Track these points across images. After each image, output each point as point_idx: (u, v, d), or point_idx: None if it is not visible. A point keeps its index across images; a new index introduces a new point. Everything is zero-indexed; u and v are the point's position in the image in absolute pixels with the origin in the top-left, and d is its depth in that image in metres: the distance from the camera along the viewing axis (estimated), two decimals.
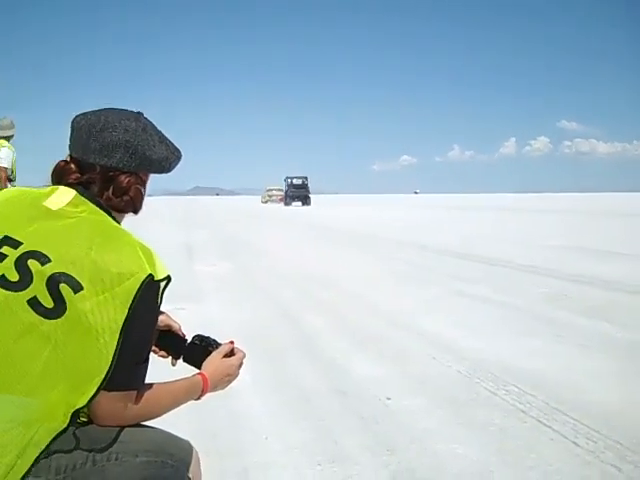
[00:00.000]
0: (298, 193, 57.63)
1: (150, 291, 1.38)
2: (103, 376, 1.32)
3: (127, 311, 1.33)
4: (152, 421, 1.52)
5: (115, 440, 1.40)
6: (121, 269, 1.35)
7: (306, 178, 60.78)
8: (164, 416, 1.52)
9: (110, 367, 1.32)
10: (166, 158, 1.60)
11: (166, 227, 21.71)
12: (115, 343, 1.32)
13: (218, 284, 8.75)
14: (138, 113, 1.61)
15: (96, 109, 1.58)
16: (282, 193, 63.23)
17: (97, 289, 1.33)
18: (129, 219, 1.63)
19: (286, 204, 56.96)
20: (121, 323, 1.32)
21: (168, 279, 1.43)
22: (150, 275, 1.37)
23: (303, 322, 6.24)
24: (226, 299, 7.51)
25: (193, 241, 15.96)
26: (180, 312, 5.15)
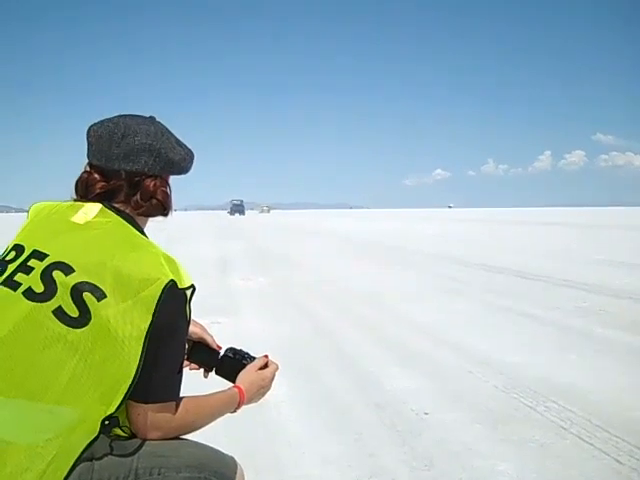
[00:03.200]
0: (237, 209, 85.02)
1: (174, 297, 1.37)
2: (129, 383, 1.32)
3: (151, 317, 1.33)
4: (192, 435, 1.51)
5: (153, 453, 1.41)
6: (143, 275, 1.35)
7: (242, 200, 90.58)
8: (202, 430, 1.52)
9: (136, 374, 1.32)
10: (184, 159, 1.62)
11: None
12: (140, 350, 1.32)
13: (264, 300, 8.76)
14: (151, 117, 1.62)
15: (109, 117, 1.59)
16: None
17: (120, 296, 1.33)
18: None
19: (231, 214, 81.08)
20: (145, 330, 1.33)
21: (193, 288, 1.43)
22: (172, 281, 1.36)
23: (339, 334, 6.23)
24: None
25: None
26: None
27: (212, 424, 1.56)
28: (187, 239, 23.14)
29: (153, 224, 1.64)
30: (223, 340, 1.92)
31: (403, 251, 17.48)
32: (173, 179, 1.64)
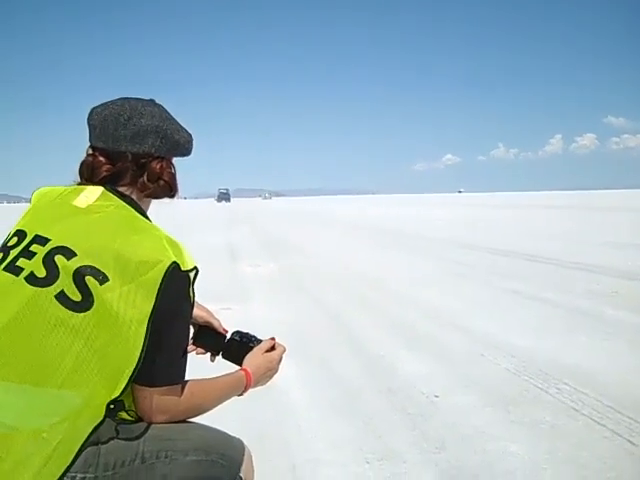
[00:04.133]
0: (223, 197, 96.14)
1: (177, 280, 1.36)
2: (134, 367, 1.32)
3: (154, 300, 1.32)
4: (201, 418, 1.51)
5: (160, 436, 1.40)
6: (145, 258, 1.34)
7: (227, 189, 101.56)
8: (210, 413, 1.51)
9: (140, 357, 1.31)
10: (188, 141, 1.61)
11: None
12: (144, 333, 1.32)
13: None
14: (151, 100, 1.61)
15: (111, 100, 1.57)
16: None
17: (122, 279, 1.32)
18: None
19: (218, 202, 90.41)
20: (148, 312, 1.32)
21: (196, 271, 1.42)
22: (175, 263, 1.35)
23: (349, 318, 6.23)
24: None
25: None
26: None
27: (220, 406, 1.56)
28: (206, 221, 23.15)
29: (157, 210, 1.63)
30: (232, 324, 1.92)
31: (410, 237, 17.45)
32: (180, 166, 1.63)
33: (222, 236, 18.26)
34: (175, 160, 1.63)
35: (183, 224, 21.38)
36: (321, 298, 7.62)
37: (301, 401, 3.86)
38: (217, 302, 5.14)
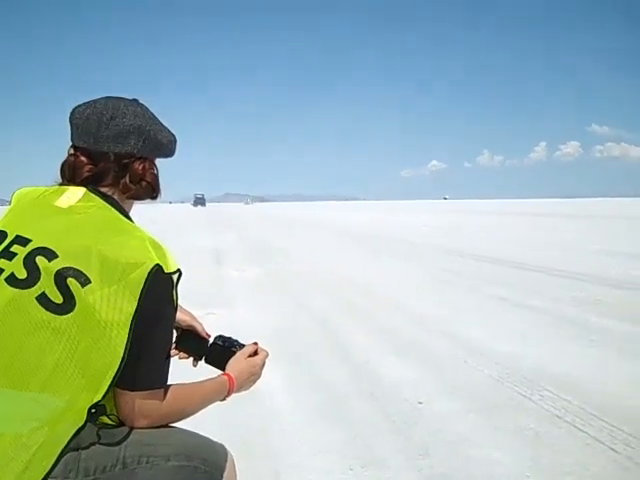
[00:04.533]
0: (199, 201, 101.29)
1: (160, 282, 1.34)
2: (115, 370, 1.29)
3: (136, 302, 1.30)
4: (184, 423, 1.49)
5: (141, 441, 1.38)
6: (128, 260, 1.32)
7: (203, 194, 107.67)
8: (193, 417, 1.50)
9: (122, 360, 1.29)
10: (171, 141, 1.59)
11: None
12: (126, 336, 1.29)
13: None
14: (135, 99, 1.59)
15: (93, 99, 1.55)
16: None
17: (105, 281, 1.30)
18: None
19: (194, 206, 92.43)
20: (131, 315, 1.29)
21: (179, 273, 1.40)
22: (158, 265, 1.33)
23: (335, 324, 6.22)
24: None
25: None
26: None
27: (203, 410, 1.54)
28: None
29: (141, 213, 1.61)
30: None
31: (400, 243, 17.49)
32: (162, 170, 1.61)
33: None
34: (160, 164, 1.61)
35: (165, 227, 21.25)
36: (307, 303, 7.60)
37: (285, 406, 3.84)
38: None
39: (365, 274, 10.28)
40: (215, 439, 1.56)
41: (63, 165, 1.54)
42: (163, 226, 23.16)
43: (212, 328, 1.90)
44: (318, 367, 4.70)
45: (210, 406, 1.57)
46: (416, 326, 6.14)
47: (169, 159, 1.63)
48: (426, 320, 6.43)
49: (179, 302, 1.65)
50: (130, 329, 1.30)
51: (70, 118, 1.53)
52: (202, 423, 1.64)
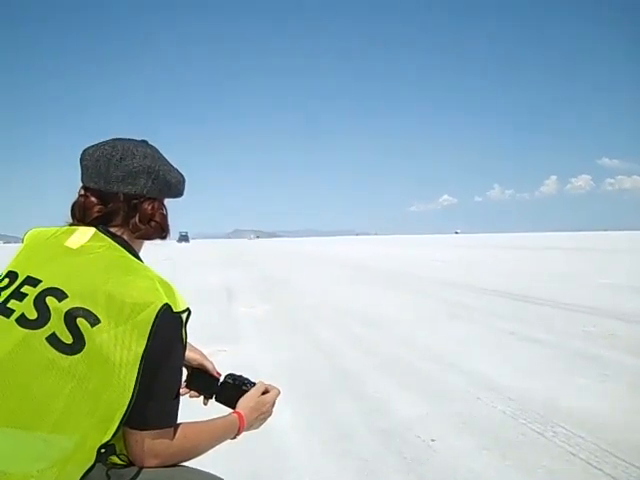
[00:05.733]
0: (183, 238, 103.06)
1: (169, 322, 1.36)
2: (125, 410, 1.30)
3: (145, 342, 1.31)
4: (192, 462, 1.48)
5: None
6: (137, 300, 1.33)
7: (187, 231, 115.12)
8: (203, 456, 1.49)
9: (132, 400, 1.30)
10: (180, 182, 1.61)
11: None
12: (135, 375, 1.30)
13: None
14: (143, 140, 1.62)
15: (103, 140, 1.57)
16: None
17: (114, 321, 1.31)
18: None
19: (179, 242, 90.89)
20: (140, 355, 1.30)
21: (188, 312, 1.41)
22: (166, 305, 1.34)
23: (345, 359, 6.19)
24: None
25: None
26: None
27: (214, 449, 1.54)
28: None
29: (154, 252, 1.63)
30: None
31: (411, 277, 17.42)
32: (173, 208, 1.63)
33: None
34: (169, 202, 1.63)
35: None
36: (316, 337, 7.58)
37: (295, 443, 3.82)
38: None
39: (376, 308, 10.23)
40: (225, 477, 1.55)
41: (74, 205, 1.56)
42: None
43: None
44: (327, 403, 4.67)
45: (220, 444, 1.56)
46: (426, 362, 6.08)
47: (178, 200, 1.65)
48: (437, 356, 6.38)
49: (189, 340, 1.66)
50: (139, 369, 1.30)
51: (80, 159, 1.55)
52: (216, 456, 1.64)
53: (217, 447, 1.55)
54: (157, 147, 1.64)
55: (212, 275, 18.75)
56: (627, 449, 3.53)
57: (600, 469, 3.29)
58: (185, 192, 1.66)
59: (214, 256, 36.33)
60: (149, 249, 1.63)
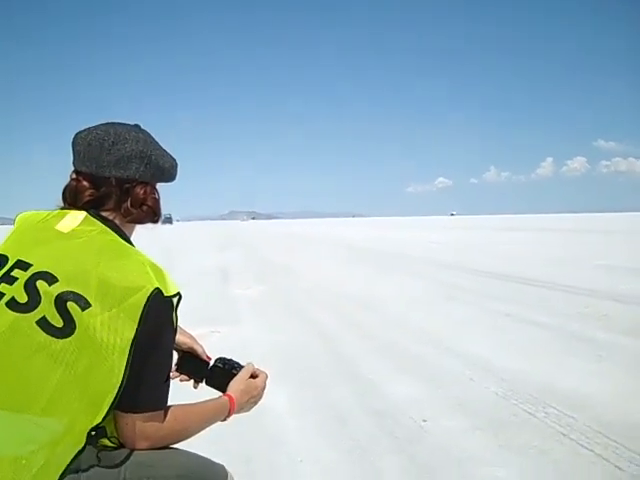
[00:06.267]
0: (167, 220, 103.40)
1: (160, 305, 1.35)
2: (115, 393, 1.29)
3: (136, 326, 1.31)
4: (184, 444, 1.49)
5: (142, 463, 1.38)
6: (128, 284, 1.33)
7: (170, 213, 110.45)
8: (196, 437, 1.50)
9: (122, 383, 1.30)
10: (172, 166, 1.61)
11: None
12: (125, 360, 1.29)
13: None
14: (136, 125, 1.61)
15: (95, 125, 1.57)
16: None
17: (105, 305, 1.31)
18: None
19: (163, 224, 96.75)
20: (130, 339, 1.30)
21: (179, 296, 1.41)
22: (157, 289, 1.34)
23: (340, 340, 6.22)
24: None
25: None
26: None
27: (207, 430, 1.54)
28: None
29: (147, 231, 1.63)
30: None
31: (407, 259, 17.47)
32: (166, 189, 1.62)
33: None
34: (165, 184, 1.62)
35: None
36: (312, 318, 7.62)
37: (290, 424, 3.84)
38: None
39: (371, 290, 10.27)
40: (216, 460, 1.56)
41: (65, 189, 1.56)
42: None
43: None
44: (322, 384, 4.69)
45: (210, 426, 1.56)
46: (422, 343, 6.12)
47: (171, 184, 1.64)
48: (432, 337, 6.41)
49: (180, 324, 1.66)
50: (129, 353, 1.30)
51: (72, 144, 1.55)
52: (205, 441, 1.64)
53: (211, 427, 1.56)
54: (150, 131, 1.62)
55: (205, 259, 18.75)
56: (619, 430, 3.55)
57: (591, 450, 3.31)
58: (177, 176, 1.66)
59: (206, 239, 36.31)
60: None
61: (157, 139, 1.61)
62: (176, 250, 23.11)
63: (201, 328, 6.61)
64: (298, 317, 7.89)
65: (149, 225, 1.63)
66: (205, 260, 17.66)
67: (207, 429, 1.55)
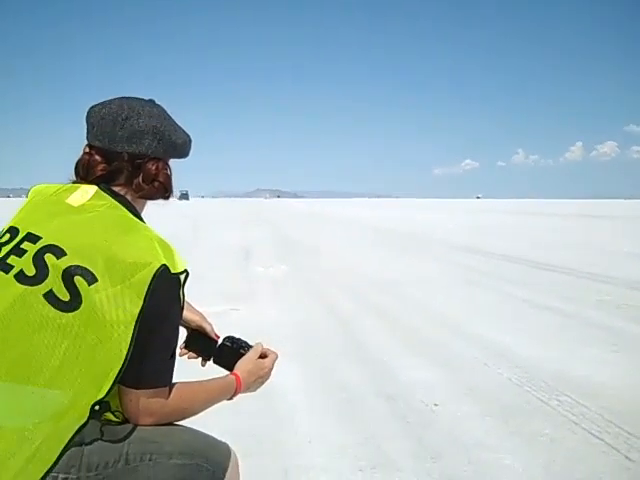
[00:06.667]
0: (184, 197, 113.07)
1: (167, 282, 1.35)
2: (119, 368, 1.31)
3: (142, 302, 1.31)
4: (189, 421, 1.50)
5: (145, 439, 1.40)
6: (135, 259, 1.33)
7: (187, 190, 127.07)
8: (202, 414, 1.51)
9: (126, 359, 1.31)
10: (185, 142, 1.61)
11: None
12: (130, 334, 1.31)
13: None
14: (151, 100, 1.60)
15: (110, 98, 1.57)
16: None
17: (111, 281, 1.31)
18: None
19: (179, 200, 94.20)
20: (136, 315, 1.31)
21: (186, 273, 1.41)
22: (164, 265, 1.34)
23: (358, 322, 6.23)
24: None
25: None
26: None
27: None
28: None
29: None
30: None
31: (428, 241, 17.39)
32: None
33: None
34: (190, 160, 1.62)
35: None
36: (330, 301, 7.63)
37: (299, 403, 3.87)
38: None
39: (392, 272, 10.25)
40: (219, 438, 1.57)
41: (77, 163, 1.56)
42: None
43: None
44: (336, 366, 4.71)
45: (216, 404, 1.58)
46: (438, 327, 6.11)
47: (185, 159, 1.64)
48: (448, 321, 6.40)
49: (189, 301, 1.67)
50: (134, 329, 1.31)
51: (86, 117, 1.55)
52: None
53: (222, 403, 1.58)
54: (165, 107, 1.61)
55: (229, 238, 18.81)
56: (631, 420, 3.52)
57: (601, 439, 3.29)
58: (191, 152, 1.65)
59: (229, 216, 36.44)
60: (162, 206, 1.63)
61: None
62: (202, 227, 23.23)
63: (220, 306, 6.68)
64: (317, 296, 7.91)
65: (160, 201, 1.63)
66: (228, 239, 17.72)
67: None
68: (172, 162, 1.62)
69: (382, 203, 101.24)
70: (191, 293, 1.55)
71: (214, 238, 17.51)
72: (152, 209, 1.64)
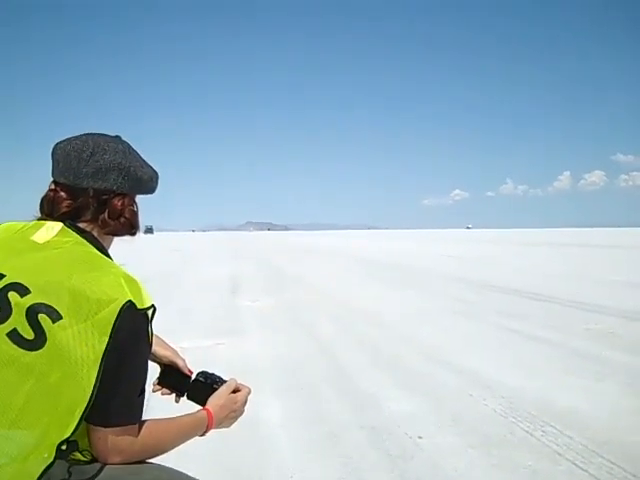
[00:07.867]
0: (148, 231, 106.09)
1: (132, 319, 1.34)
2: (84, 407, 1.28)
3: (107, 339, 1.29)
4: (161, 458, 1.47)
5: (114, 477, 1.35)
6: (100, 296, 1.31)
7: (152, 225, 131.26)
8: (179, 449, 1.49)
9: (91, 397, 1.28)
10: (151, 178, 1.60)
11: None
12: (96, 373, 1.28)
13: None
14: (117, 136, 1.61)
15: (75, 135, 1.56)
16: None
17: (76, 318, 1.29)
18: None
19: (145, 234, 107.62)
20: (101, 352, 1.28)
21: (153, 309, 1.40)
22: (130, 301, 1.33)
23: (344, 355, 6.19)
24: None
25: None
26: None
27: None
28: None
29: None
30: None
31: (417, 272, 17.38)
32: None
33: None
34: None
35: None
36: (315, 332, 7.60)
37: (282, 436, 3.81)
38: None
39: (380, 305, 10.23)
40: (191, 474, 1.52)
41: (42, 200, 1.55)
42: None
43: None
44: (320, 398, 4.67)
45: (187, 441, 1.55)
46: (424, 358, 6.07)
47: (151, 195, 1.63)
48: (435, 352, 6.37)
49: (161, 337, 1.65)
50: (100, 366, 1.29)
51: (52, 153, 1.54)
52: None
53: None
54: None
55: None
56: (615, 450, 3.50)
57: (585, 470, 3.26)
58: (158, 188, 1.64)
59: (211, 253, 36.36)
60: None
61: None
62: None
63: (207, 340, 6.64)
64: (304, 330, 7.87)
65: (127, 238, 1.62)
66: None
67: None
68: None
69: (376, 235, 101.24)
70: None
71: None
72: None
